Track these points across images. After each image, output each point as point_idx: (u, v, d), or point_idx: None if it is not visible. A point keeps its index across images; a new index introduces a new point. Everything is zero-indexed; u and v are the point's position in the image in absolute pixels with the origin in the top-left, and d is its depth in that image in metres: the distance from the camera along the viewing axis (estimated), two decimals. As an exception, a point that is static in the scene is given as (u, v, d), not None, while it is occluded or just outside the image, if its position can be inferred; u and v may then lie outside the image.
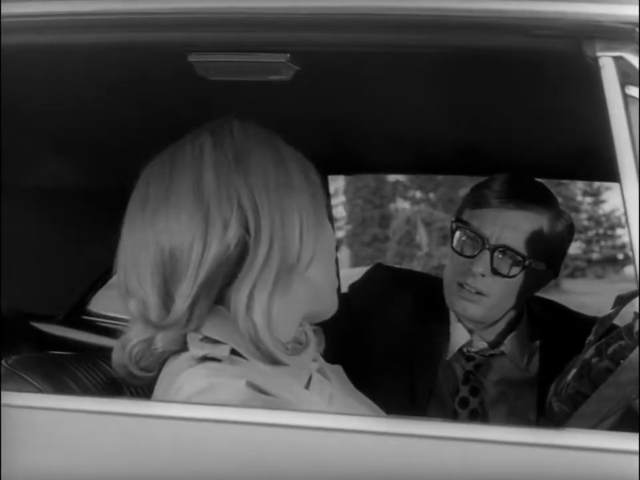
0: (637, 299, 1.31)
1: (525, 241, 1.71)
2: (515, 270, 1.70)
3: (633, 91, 1.02)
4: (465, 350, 1.79)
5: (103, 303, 2.61)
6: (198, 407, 1.07)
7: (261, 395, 1.09)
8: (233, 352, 1.13)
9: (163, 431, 1.07)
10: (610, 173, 1.05)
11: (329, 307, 1.23)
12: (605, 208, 27.40)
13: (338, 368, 1.31)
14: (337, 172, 2.27)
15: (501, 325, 1.79)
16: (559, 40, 1.05)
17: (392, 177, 26.02)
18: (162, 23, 1.13)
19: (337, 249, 1.28)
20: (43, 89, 1.50)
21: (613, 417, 1.23)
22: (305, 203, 1.17)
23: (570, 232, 1.80)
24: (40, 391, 1.25)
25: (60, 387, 1.27)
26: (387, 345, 1.83)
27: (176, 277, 1.12)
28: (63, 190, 2.18)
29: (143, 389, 1.32)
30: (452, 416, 1.77)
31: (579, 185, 26.18)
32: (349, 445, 1.02)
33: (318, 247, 1.17)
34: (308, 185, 1.18)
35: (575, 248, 26.45)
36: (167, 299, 1.13)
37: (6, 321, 2.23)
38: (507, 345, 1.79)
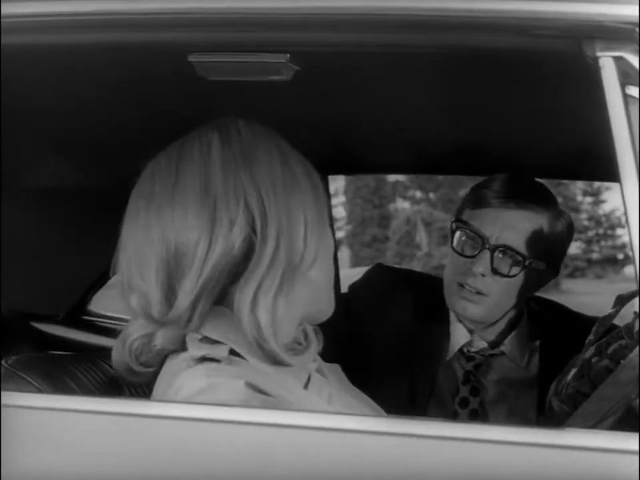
0: (637, 298, 1.31)
1: (525, 240, 1.71)
2: (515, 270, 1.70)
3: (633, 90, 1.02)
4: (465, 350, 1.80)
5: (103, 303, 2.61)
6: (197, 406, 1.07)
7: (260, 395, 1.09)
8: (232, 352, 1.13)
9: (163, 431, 1.07)
10: (610, 172, 1.05)
11: (326, 309, 1.24)
12: (605, 208, 27.41)
13: (336, 367, 1.31)
14: (337, 172, 2.27)
15: (501, 325, 1.79)
16: (559, 40, 1.05)
17: (392, 177, 26.03)
18: (162, 23, 1.13)
19: (336, 253, 1.28)
20: (43, 89, 1.50)
21: (613, 416, 1.23)
22: (309, 204, 1.17)
23: (570, 231, 1.80)
24: (40, 391, 1.25)
25: (60, 387, 1.27)
26: (387, 345, 1.83)
27: (180, 273, 1.12)
28: (63, 190, 2.18)
29: (142, 388, 1.32)
30: (452, 416, 1.77)
31: (579, 185, 26.18)
32: (349, 445, 1.02)
33: (320, 248, 1.18)
34: (311, 186, 1.19)
35: (575, 248, 26.44)
36: (169, 295, 1.13)
37: (6, 321, 2.23)
38: (507, 345, 1.79)
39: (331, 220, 1.98)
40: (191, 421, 1.06)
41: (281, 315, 1.13)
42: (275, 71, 1.20)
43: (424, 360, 1.81)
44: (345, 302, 1.89)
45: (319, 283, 1.19)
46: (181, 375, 1.12)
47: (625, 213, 1.01)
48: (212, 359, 1.12)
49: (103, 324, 2.55)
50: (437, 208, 26.54)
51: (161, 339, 1.15)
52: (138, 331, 1.15)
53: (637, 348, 1.23)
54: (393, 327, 1.84)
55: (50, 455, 1.09)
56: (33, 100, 1.56)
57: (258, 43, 1.15)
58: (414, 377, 1.80)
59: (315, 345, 1.21)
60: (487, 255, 1.70)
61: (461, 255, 1.73)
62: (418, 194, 29.26)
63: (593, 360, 1.36)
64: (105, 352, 1.23)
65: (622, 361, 1.28)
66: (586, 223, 27.24)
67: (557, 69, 1.19)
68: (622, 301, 1.41)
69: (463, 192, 2.11)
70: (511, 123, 1.67)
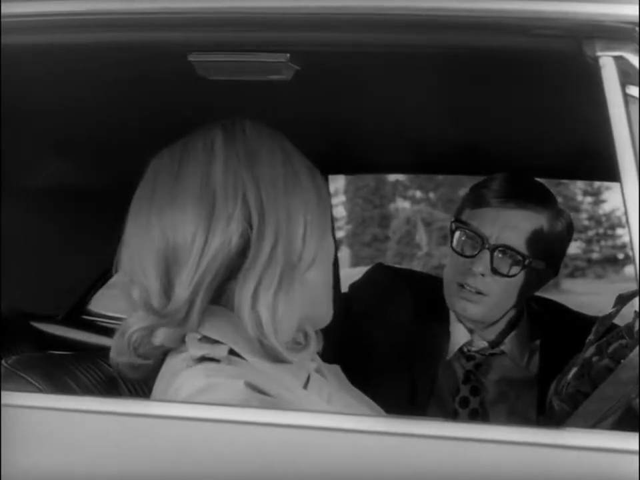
0: (637, 298, 1.31)
1: (524, 240, 1.71)
2: (515, 269, 1.70)
3: (633, 90, 1.02)
4: (465, 349, 1.80)
5: (103, 303, 2.61)
6: (197, 406, 1.07)
7: (260, 395, 1.09)
8: (232, 352, 1.13)
9: (163, 431, 1.07)
10: (610, 172, 1.05)
11: (324, 315, 1.24)
12: (605, 208, 27.40)
13: (336, 367, 1.31)
14: (337, 172, 2.27)
15: (501, 325, 1.79)
16: (559, 40, 1.05)
17: (392, 177, 26.02)
18: (162, 22, 1.13)
19: (336, 256, 1.28)
20: (43, 89, 1.50)
21: (613, 416, 1.23)
22: (311, 205, 1.18)
23: (569, 230, 1.80)
24: (40, 391, 1.25)
25: (60, 386, 1.27)
26: (387, 345, 1.83)
27: (177, 266, 1.13)
28: (63, 190, 2.18)
29: (141, 386, 1.32)
30: (452, 415, 1.77)
31: (579, 185, 26.17)
32: (349, 445, 1.02)
33: (320, 250, 1.18)
34: (314, 188, 1.19)
35: (575, 248, 26.42)
36: (168, 287, 1.13)
37: (6, 321, 2.23)
38: (507, 344, 1.79)
39: (332, 222, 1.99)
40: (191, 420, 1.06)
41: (281, 313, 1.13)
42: (275, 70, 1.20)
43: (424, 360, 1.81)
44: (345, 302, 1.89)
45: (316, 285, 1.20)
46: (181, 375, 1.12)
47: (625, 213, 1.01)
48: (211, 359, 1.12)
49: (103, 324, 2.55)
50: (437, 208, 26.53)
51: (161, 337, 1.15)
52: (138, 323, 1.15)
53: (637, 347, 1.23)
54: (393, 326, 1.84)
55: (50, 455, 1.09)
56: (33, 100, 1.56)
57: (258, 43, 1.15)
58: (414, 376, 1.80)
59: (314, 344, 1.22)
60: (486, 254, 1.70)
61: (461, 254, 1.73)
62: (418, 194, 29.26)
63: (594, 359, 1.36)
64: (105, 352, 1.23)
65: (622, 361, 1.28)
66: (586, 222, 27.23)
67: (557, 69, 1.19)
68: (622, 300, 1.41)
69: (462, 192, 2.11)
70: (510, 123, 1.67)
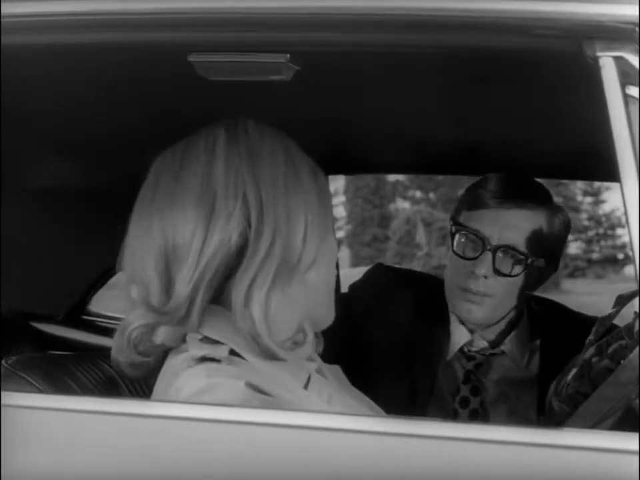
0: (637, 298, 1.31)
1: (525, 239, 1.71)
2: (518, 269, 1.71)
3: (633, 90, 1.02)
4: (465, 349, 1.80)
5: (103, 303, 2.61)
6: (198, 406, 1.07)
7: (260, 396, 1.09)
8: (232, 353, 1.13)
9: (163, 431, 1.07)
10: (610, 172, 1.05)
11: (325, 316, 1.24)
12: (605, 208, 27.40)
13: (336, 368, 1.31)
14: (337, 172, 2.28)
15: (501, 325, 1.79)
16: (559, 40, 1.05)
17: (392, 177, 26.02)
18: (162, 22, 1.13)
19: (337, 265, 1.28)
20: (43, 89, 1.50)
21: (613, 416, 1.23)
22: (312, 206, 1.18)
23: (567, 227, 1.80)
24: (40, 391, 1.25)
25: (60, 386, 1.27)
26: (387, 345, 1.83)
27: (177, 263, 1.13)
28: (63, 190, 2.18)
29: (141, 386, 1.32)
30: (452, 416, 1.77)
31: (579, 185, 26.16)
32: (349, 445, 1.02)
33: (321, 251, 1.18)
34: (316, 189, 1.20)
35: (575, 248, 26.42)
36: (168, 285, 1.14)
37: (6, 321, 2.23)
38: (508, 344, 1.79)
39: (332, 220, 1.99)
40: (191, 420, 1.06)
41: (275, 312, 1.13)
42: (275, 70, 1.20)
43: (424, 360, 1.81)
44: (345, 302, 1.88)
45: (317, 285, 1.20)
46: (181, 375, 1.12)
47: (625, 213, 1.01)
48: (212, 359, 1.12)
49: (103, 324, 2.55)
50: (437, 208, 26.52)
51: (162, 335, 1.15)
52: (138, 320, 1.15)
53: (637, 348, 1.23)
54: (393, 327, 1.84)
55: (50, 455, 1.09)
56: (33, 100, 1.56)
57: (258, 43, 1.15)
58: (414, 377, 1.80)
59: (311, 342, 1.21)
60: (488, 256, 1.70)
61: (463, 257, 1.73)
62: (418, 194, 29.26)
63: (593, 360, 1.36)
64: (105, 352, 1.23)
65: (622, 361, 1.28)
66: (586, 223, 27.23)
67: (557, 69, 1.19)
68: (622, 301, 1.41)
69: (462, 192, 2.09)
70: (510, 123, 1.67)
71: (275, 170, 1.16)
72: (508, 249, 1.70)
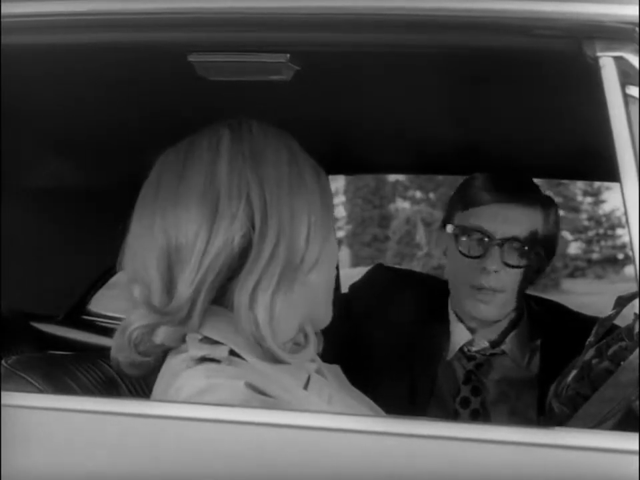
0: (638, 300, 1.31)
1: (523, 230, 1.73)
2: (525, 259, 1.73)
3: (633, 90, 1.02)
4: (465, 349, 1.80)
5: (103, 303, 2.61)
6: (197, 406, 1.07)
7: (260, 396, 1.09)
8: (232, 353, 1.13)
9: (163, 431, 1.07)
10: (610, 172, 1.05)
11: (323, 316, 1.24)
12: (605, 208, 27.39)
13: (336, 368, 1.31)
14: (337, 172, 2.27)
15: (502, 324, 1.80)
16: (559, 40, 1.05)
17: (392, 177, 26.02)
18: (162, 22, 1.13)
19: (337, 266, 1.29)
20: (43, 89, 1.50)
21: (613, 418, 1.23)
22: (315, 207, 1.18)
23: (557, 214, 1.82)
24: (40, 391, 1.25)
25: (60, 386, 1.27)
26: (387, 345, 1.83)
27: (180, 264, 1.13)
28: (63, 190, 2.18)
29: (141, 386, 1.32)
30: (453, 416, 1.77)
31: (579, 185, 26.17)
32: (349, 445, 1.02)
33: (323, 252, 1.18)
34: (319, 189, 1.19)
35: (575, 248, 26.41)
36: (170, 285, 1.13)
37: (6, 321, 2.23)
38: (508, 344, 1.79)
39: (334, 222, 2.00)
40: (191, 420, 1.06)
41: (279, 314, 1.13)
42: (275, 71, 1.20)
43: (424, 360, 1.81)
44: (346, 302, 1.89)
45: (318, 286, 1.20)
46: (181, 376, 1.12)
47: (625, 213, 1.01)
48: (212, 360, 1.12)
49: (103, 324, 2.55)
50: (437, 208, 26.51)
51: (162, 335, 1.15)
52: (139, 321, 1.15)
53: (637, 350, 1.23)
54: (393, 327, 1.85)
55: (50, 455, 1.09)
56: (33, 100, 1.56)
57: (258, 43, 1.15)
58: (414, 377, 1.80)
59: (314, 345, 1.22)
60: (496, 250, 1.71)
61: (470, 256, 1.73)
62: (418, 194, 29.26)
63: (593, 362, 1.36)
64: (105, 352, 1.23)
65: (622, 363, 1.28)
66: (586, 223, 27.23)
67: (557, 69, 1.19)
68: (622, 302, 1.41)
69: (451, 195, 2.10)
70: (510, 123, 1.67)
71: (279, 170, 1.16)
72: (513, 240, 1.71)
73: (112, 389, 1.33)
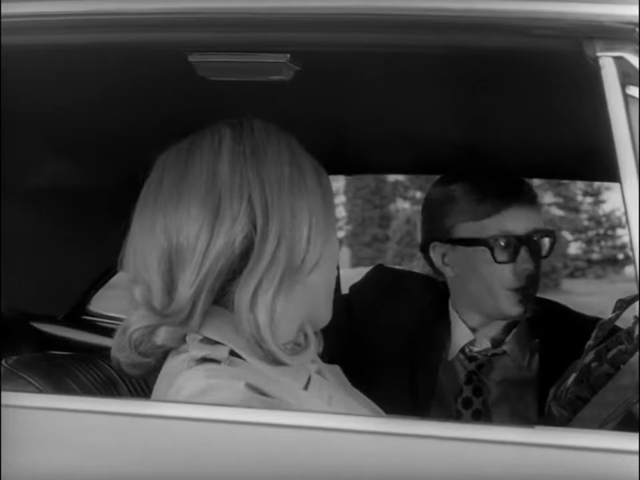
0: (638, 303, 1.31)
1: (532, 225, 1.75)
2: (547, 248, 1.77)
3: (633, 90, 1.02)
4: (467, 350, 1.80)
5: (103, 303, 2.61)
6: (197, 406, 1.07)
7: (260, 396, 1.09)
8: (232, 353, 1.13)
9: (163, 431, 1.07)
10: (610, 172, 1.05)
11: (323, 316, 1.24)
12: (605, 208, 27.40)
13: (336, 368, 1.31)
14: (337, 172, 2.27)
15: (502, 324, 1.80)
16: (559, 40, 1.05)
17: (392, 177, 26.03)
18: (162, 23, 1.13)
19: (337, 266, 1.29)
20: (43, 89, 1.50)
21: (613, 422, 1.22)
22: (316, 207, 1.17)
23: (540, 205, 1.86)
24: (40, 391, 1.25)
25: (60, 387, 1.27)
26: (387, 346, 1.83)
27: (181, 265, 1.12)
28: (63, 190, 2.18)
29: (141, 386, 1.32)
30: (455, 416, 1.77)
31: (579, 185, 26.17)
32: (349, 445, 1.02)
33: (324, 253, 1.18)
34: (320, 190, 1.19)
35: (575, 248, 26.43)
36: (170, 286, 1.13)
37: (6, 321, 2.23)
38: (509, 344, 1.79)
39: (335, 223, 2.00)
40: (191, 421, 1.06)
41: (280, 315, 1.13)
42: (275, 70, 1.20)
43: (425, 361, 1.81)
44: (346, 303, 1.89)
45: (319, 286, 1.19)
46: (181, 376, 1.12)
47: (625, 213, 1.01)
48: (212, 360, 1.12)
49: (103, 324, 2.55)
50: (437, 208, 26.44)
51: (162, 336, 1.15)
52: (139, 322, 1.15)
53: (637, 353, 1.23)
54: (394, 328, 1.85)
55: (50, 454, 1.09)
56: (33, 100, 1.56)
57: (258, 43, 1.15)
58: (415, 378, 1.80)
59: (314, 346, 1.22)
60: (523, 250, 1.73)
61: (504, 262, 1.73)
62: (418, 194, 29.26)
63: (593, 365, 1.35)
64: (105, 352, 1.23)
65: (622, 366, 1.28)
66: (586, 223, 27.24)
67: (557, 69, 1.19)
68: (622, 305, 1.41)
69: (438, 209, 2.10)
70: (510, 123, 1.67)
71: (280, 171, 1.16)
72: (535, 233, 1.74)
73: (112, 389, 1.33)
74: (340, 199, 26.86)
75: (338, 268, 1.32)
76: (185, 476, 1.05)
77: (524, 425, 1.55)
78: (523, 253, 1.73)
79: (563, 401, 1.39)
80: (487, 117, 1.64)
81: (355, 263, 24.90)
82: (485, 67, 1.27)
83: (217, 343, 1.13)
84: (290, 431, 1.04)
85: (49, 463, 1.09)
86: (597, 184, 25.04)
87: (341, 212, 27.32)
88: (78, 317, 2.56)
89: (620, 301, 1.41)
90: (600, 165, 1.31)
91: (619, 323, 1.42)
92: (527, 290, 1.74)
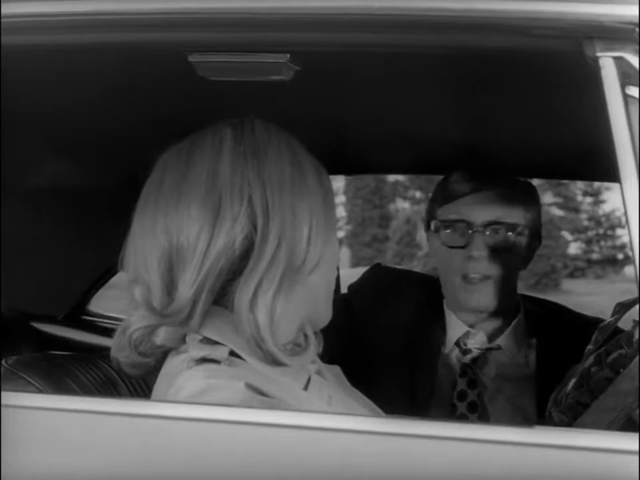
0: (637, 306, 1.31)
1: (505, 213, 1.75)
2: (508, 240, 1.75)
3: (633, 91, 1.02)
4: (461, 343, 1.81)
5: (103, 303, 2.61)
6: (197, 406, 1.07)
7: (260, 397, 1.09)
8: (232, 354, 1.13)
9: (163, 431, 1.07)
10: (610, 172, 1.05)
11: (323, 316, 1.24)
12: (605, 208, 27.41)
13: (336, 369, 1.31)
14: (337, 172, 2.27)
15: (498, 320, 1.80)
16: (559, 40, 1.05)
17: (392, 177, 26.05)
18: (162, 23, 1.13)
19: (338, 267, 1.29)
20: (43, 89, 1.50)
21: (614, 427, 1.22)
22: (317, 207, 1.17)
23: (537, 198, 1.85)
24: (40, 391, 1.25)
25: (60, 386, 1.27)
26: (386, 345, 1.84)
27: (181, 265, 1.12)
28: (63, 190, 2.18)
29: (141, 386, 1.32)
30: (451, 409, 1.77)
31: (579, 185, 26.18)
32: (349, 445, 1.02)
33: (325, 254, 1.18)
34: (321, 190, 1.19)
35: (575, 248, 26.44)
36: (171, 287, 1.13)
37: (6, 321, 2.23)
38: (504, 339, 1.80)
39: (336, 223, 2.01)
40: (191, 421, 1.06)
41: (279, 316, 1.13)
42: (275, 70, 1.20)
43: (424, 358, 1.82)
44: (345, 303, 1.89)
45: (319, 287, 1.19)
46: (181, 376, 1.12)
47: (625, 213, 1.01)
48: (212, 360, 1.12)
49: (103, 324, 2.56)
50: (437, 208, 26.44)
51: (162, 336, 1.14)
52: (139, 322, 1.15)
53: (637, 357, 1.22)
54: (392, 326, 1.85)
55: (50, 454, 1.09)
56: (33, 100, 1.56)
57: (258, 43, 1.15)
58: (414, 376, 1.81)
59: (314, 346, 1.21)
60: (478, 237, 1.74)
61: (454, 247, 1.76)
62: (418, 194, 29.27)
63: (593, 369, 1.35)
64: (105, 352, 1.23)
65: (621, 370, 1.27)
66: (586, 222, 27.24)
67: (557, 69, 1.19)
68: (622, 309, 1.41)
69: (429, 196, 2.18)
70: (510, 123, 1.67)
71: (281, 171, 1.16)
72: (494, 224, 1.74)
73: (112, 389, 1.33)
74: (340, 199, 26.86)
75: (338, 268, 1.32)
76: (184, 476, 1.05)
77: (524, 425, 1.55)
78: (478, 239, 1.73)
79: (563, 406, 1.39)
80: (487, 117, 1.64)
81: (355, 263, 24.91)
82: (485, 67, 1.27)
83: (216, 343, 1.13)
84: (290, 431, 1.04)
85: (49, 463, 1.09)
86: (596, 184, 25.04)
87: (341, 212, 27.32)
88: (78, 317, 2.56)
89: (619, 304, 1.41)
90: (600, 165, 1.31)
91: (620, 325, 1.42)
92: (484, 280, 1.74)
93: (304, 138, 1.22)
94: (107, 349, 1.21)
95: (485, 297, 1.76)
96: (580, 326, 1.75)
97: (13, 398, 1.12)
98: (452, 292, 1.79)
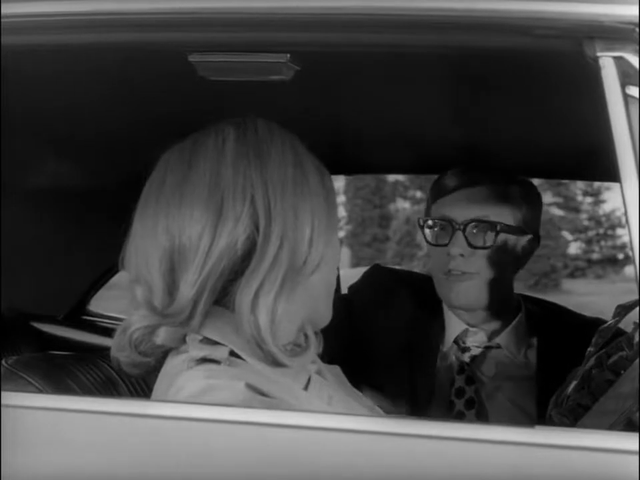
0: (638, 308, 1.30)
1: (492, 210, 1.75)
2: (490, 239, 1.73)
3: (633, 90, 1.02)
4: (460, 341, 1.81)
5: (103, 303, 2.61)
6: (197, 406, 1.07)
7: (260, 397, 1.09)
8: (232, 354, 1.13)
9: (163, 431, 1.07)
10: (610, 172, 1.05)
11: (324, 316, 1.23)
12: (605, 208, 27.41)
13: (336, 369, 1.31)
14: (337, 172, 2.27)
15: (498, 319, 1.80)
16: (559, 40, 1.05)
17: (392, 177, 26.06)
18: (162, 23, 1.13)
19: (338, 267, 1.29)
20: (43, 89, 1.50)
21: (614, 430, 1.22)
22: (319, 208, 1.17)
23: (536, 195, 1.84)
24: (40, 391, 1.25)
25: (60, 386, 1.27)
26: (386, 345, 1.84)
27: (183, 266, 1.12)
28: (63, 190, 2.18)
29: (141, 386, 1.32)
30: (449, 407, 1.78)
31: (579, 185, 26.19)
32: (349, 445, 1.02)
33: (325, 254, 1.18)
34: (323, 191, 1.19)
35: (575, 248, 26.45)
36: (172, 287, 1.13)
37: (6, 321, 2.23)
38: (503, 338, 1.80)
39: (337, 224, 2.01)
40: (191, 420, 1.06)
41: (280, 317, 1.13)
42: (275, 70, 1.20)
43: (423, 358, 1.82)
44: (344, 303, 1.89)
45: (320, 288, 1.19)
46: (181, 376, 1.12)
47: (625, 213, 1.01)
48: (212, 360, 1.12)
49: (103, 324, 2.56)
50: (437, 208, 26.45)
51: (163, 336, 1.14)
52: (140, 322, 1.15)
53: (637, 359, 1.22)
54: (392, 326, 1.86)
55: (50, 454, 1.09)
56: (33, 100, 1.56)
57: (258, 43, 1.15)
58: (414, 375, 1.81)
59: (314, 347, 1.21)
60: (459, 235, 1.73)
61: (437, 245, 1.76)
62: (418, 194, 29.27)
63: (593, 372, 1.35)
64: (105, 352, 1.23)
65: (622, 372, 1.27)
66: (586, 222, 27.25)
67: (557, 69, 1.19)
68: (622, 311, 1.40)
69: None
70: (510, 123, 1.67)
71: (284, 172, 1.16)
72: (475, 222, 1.74)
73: (112, 389, 1.33)
74: (340, 199, 26.87)
75: (338, 268, 1.32)
76: (184, 476, 1.05)
77: (524, 425, 1.55)
78: (459, 237, 1.73)
79: (564, 408, 1.38)
80: (487, 117, 1.64)
81: (355, 263, 24.91)
82: (484, 67, 1.27)
83: (217, 343, 1.13)
84: (290, 431, 1.04)
85: (49, 463, 1.09)
86: (596, 184, 25.06)
87: (341, 212, 27.32)
88: (78, 317, 2.56)
89: (619, 306, 1.41)
90: (600, 165, 1.32)
91: (620, 327, 1.42)
92: (465, 278, 1.74)
93: (304, 138, 1.22)
94: (107, 349, 1.21)
95: (466, 294, 1.75)
96: (580, 327, 1.74)
97: (12, 398, 1.12)
98: (438, 288, 1.80)
